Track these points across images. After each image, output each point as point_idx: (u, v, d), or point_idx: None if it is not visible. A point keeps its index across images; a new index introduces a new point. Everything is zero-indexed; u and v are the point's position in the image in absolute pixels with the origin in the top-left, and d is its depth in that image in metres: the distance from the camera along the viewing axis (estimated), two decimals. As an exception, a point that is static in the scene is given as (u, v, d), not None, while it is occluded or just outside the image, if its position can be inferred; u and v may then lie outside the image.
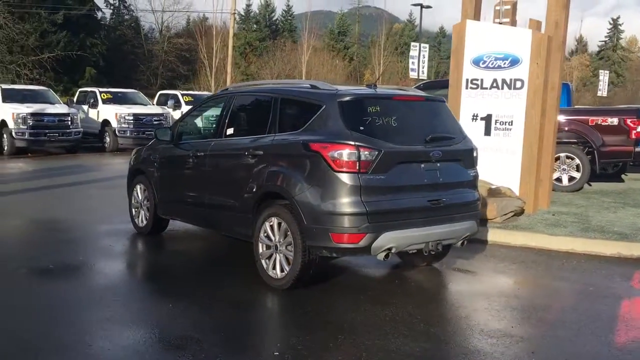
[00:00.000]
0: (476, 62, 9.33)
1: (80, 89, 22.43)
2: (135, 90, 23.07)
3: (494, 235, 7.81)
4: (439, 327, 4.76)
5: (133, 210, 7.73)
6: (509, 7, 9.53)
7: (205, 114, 7.03)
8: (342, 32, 60.14)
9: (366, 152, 5.09)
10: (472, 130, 9.25)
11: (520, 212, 8.63)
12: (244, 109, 6.43)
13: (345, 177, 5.06)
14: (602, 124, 11.30)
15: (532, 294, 5.73)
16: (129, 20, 47.18)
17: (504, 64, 9.11)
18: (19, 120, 16.79)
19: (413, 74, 32.13)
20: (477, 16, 9.78)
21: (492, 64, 9.21)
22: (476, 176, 5.97)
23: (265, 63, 43.07)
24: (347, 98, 5.38)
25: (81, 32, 39.26)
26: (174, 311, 4.94)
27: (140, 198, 7.57)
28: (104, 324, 4.60)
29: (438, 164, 5.51)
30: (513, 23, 9.61)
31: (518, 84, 9.02)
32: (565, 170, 11.34)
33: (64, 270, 6.06)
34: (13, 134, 16.83)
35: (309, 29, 37.45)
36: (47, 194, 10.85)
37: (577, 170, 11.31)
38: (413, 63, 32.23)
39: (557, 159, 11.26)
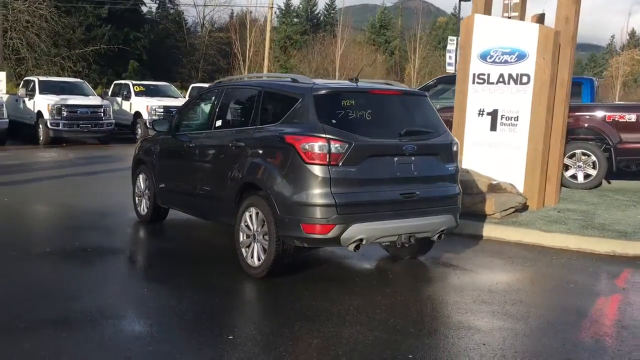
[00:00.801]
0: (483, 57, 9.28)
1: (115, 82, 23.08)
2: (167, 83, 23.58)
3: (489, 231, 7.80)
4: (401, 318, 4.83)
5: (136, 198, 8.01)
6: (517, 1, 9.43)
7: (201, 106, 7.24)
8: (383, 26, 59.86)
9: (337, 145, 5.19)
10: (478, 126, 9.30)
11: (521, 209, 8.57)
12: (231, 102, 6.62)
13: (315, 169, 5.18)
14: (620, 120, 11.06)
15: (507, 289, 5.73)
16: (172, 15, 48.03)
17: (511, 58, 9.05)
18: (54, 111, 17.42)
19: (450, 69, 31.78)
20: (487, 11, 9.72)
21: (499, 58, 9.15)
22: (456, 170, 6.00)
23: (304, 57, 43.33)
24: (323, 92, 5.49)
25: (125, 26, 40.20)
26: (146, 294, 5.17)
27: (142, 187, 7.85)
28: (73, 303, 4.85)
29: (413, 158, 5.57)
30: (522, 17, 9.50)
31: (524, 79, 8.95)
32: (581, 167, 11.14)
33: (59, 254, 6.37)
34: (48, 124, 17.48)
35: (343, 22, 37.47)
36: (70, 182, 11.28)
37: (594, 167, 11.10)
38: (450, 57, 31.89)
39: (573, 155, 11.11)
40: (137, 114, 20.02)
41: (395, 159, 5.48)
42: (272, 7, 33.23)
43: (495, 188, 8.46)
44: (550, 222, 8.13)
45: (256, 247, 5.68)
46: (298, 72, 45.03)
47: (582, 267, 6.58)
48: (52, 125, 17.50)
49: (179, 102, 20.57)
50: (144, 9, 45.38)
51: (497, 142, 9.21)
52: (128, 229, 7.67)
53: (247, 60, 32.05)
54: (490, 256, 6.95)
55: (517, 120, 9.04)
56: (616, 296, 5.74)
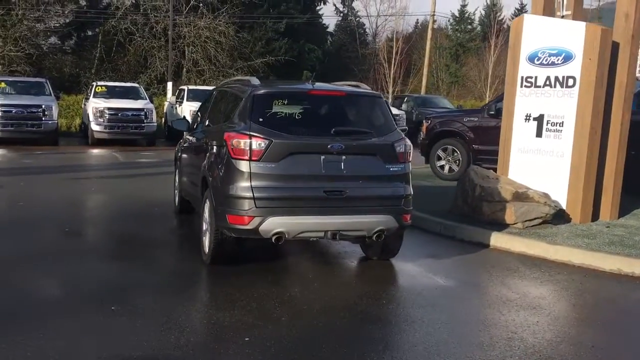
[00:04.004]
0: (531, 59, 8.78)
1: None
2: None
3: (496, 240, 7.43)
4: (288, 309, 4.97)
5: (175, 192, 8.90)
6: (571, -2, 8.77)
7: (206, 106, 7.87)
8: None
9: (258, 142, 5.52)
10: (525, 131, 8.86)
11: (552, 220, 7.98)
12: (216, 103, 7.21)
13: (239, 164, 5.55)
14: None
15: (442, 295, 5.55)
16: (350, 26, 49.73)
17: (558, 60, 8.46)
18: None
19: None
20: (547, 11, 9.16)
21: (546, 60, 8.60)
22: (400, 171, 5.88)
23: (474, 65, 42.33)
24: (260, 92, 5.86)
25: (301, 38, 42.64)
26: (101, 271, 5.88)
27: (177, 182, 8.71)
28: (42, 268, 5.77)
29: (343, 157, 5.66)
30: (577, 16, 8.81)
31: (570, 82, 8.33)
32: (673, 180, 9.90)
33: (73, 233, 7.44)
34: None
35: (497, 28, 36.01)
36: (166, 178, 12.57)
37: (689, 181, 9.81)
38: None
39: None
40: None
41: (322, 157, 5.62)
42: (433, 14, 33.13)
43: (521, 197, 7.99)
44: (576, 236, 7.50)
45: (208, 236, 6.17)
46: (468, 80, 44.15)
47: (559, 282, 6.08)
48: None
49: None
50: (322, 21, 47.65)
51: (542, 149, 8.65)
52: (154, 218, 8.46)
53: (392, 68, 32.29)
54: (472, 264, 6.72)
55: (562, 126, 8.43)
56: (554, 313, 5.29)
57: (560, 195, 8.40)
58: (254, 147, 5.52)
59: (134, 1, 33.92)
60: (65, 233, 7.40)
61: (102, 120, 18.46)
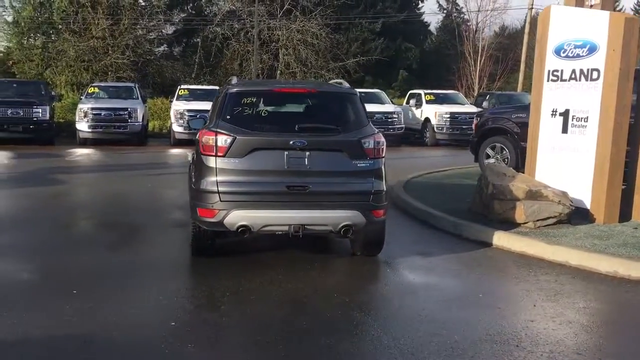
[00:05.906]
0: (557, 52, 8.38)
1: (410, 92, 24.82)
2: (456, 92, 25.60)
3: (499, 239, 7.18)
4: (237, 298, 5.19)
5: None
6: (599, -15, 8.26)
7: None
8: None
9: (224, 138, 5.75)
10: (551, 127, 8.53)
11: (566, 220, 7.60)
12: (214, 102, 7.49)
13: (207, 160, 5.81)
14: None
15: (400, 292, 5.52)
16: (451, 25, 48.70)
17: (582, 52, 8.03)
18: (441, 119, 20.99)
19: None
20: (579, 2, 8.70)
21: (571, 52, 8.19)
22: (368, 167, 5.85)
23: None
24: (233, 90, 6.10)
25: (398, 37, 42.37)
26: (77, 261, 6.25)
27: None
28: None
29: (307, 153, 5.74)
30: (606, 6, 8.28)
31: (594, 75, 7.88)
32: None
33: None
34: (435, 129, 20.98)
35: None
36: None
37: None
38: None
39: None
40: (427, 120, 21.73)
41: (286, 153, 5.73)
42: (531, 8, 31.78)
43: (534, 195, 7.67)
44: (589, 236, 7.11)
45: (191, 229, 6.48)
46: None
47: (538, 282, 5.80)
48: (437, 130, 21.02)
49: (466, 108, 21.59)
50: (423, 19, 47.04)
51: (567, 145, 8.24)
52: (174, 212, 8.82)
53: (478, 64, 31.15)
54: (459, 262, 6.54)
55: (587, 121, 7.98)
56: (500, 312, 5.08)
57: (585, 194, 7.98)
58: (219, 143, 5.75)
59: (232, 7, 35.30)
60: (75, 224, 8.09)
61: (182, 121, 19.42)
